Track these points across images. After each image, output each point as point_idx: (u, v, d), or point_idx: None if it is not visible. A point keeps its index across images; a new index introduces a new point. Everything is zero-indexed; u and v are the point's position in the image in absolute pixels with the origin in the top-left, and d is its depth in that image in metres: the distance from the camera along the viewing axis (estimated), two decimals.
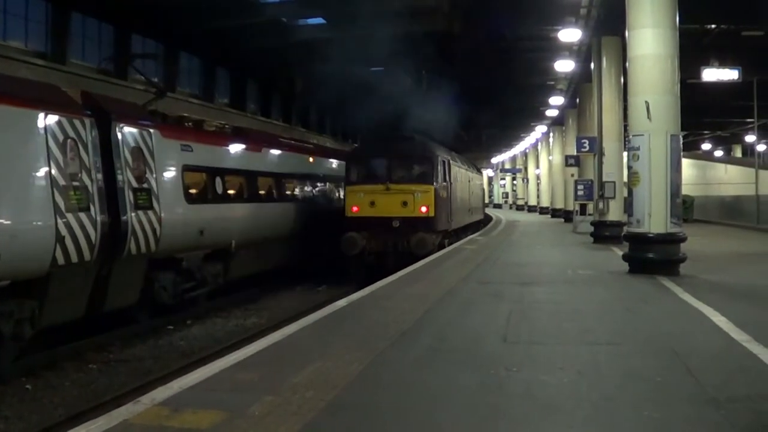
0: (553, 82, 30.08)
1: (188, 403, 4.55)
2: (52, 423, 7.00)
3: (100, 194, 9.49)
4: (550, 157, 41.70)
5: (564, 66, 24.45)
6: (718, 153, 53.65)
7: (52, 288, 8.70)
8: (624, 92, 15.47)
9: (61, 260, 8.59)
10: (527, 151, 59.23)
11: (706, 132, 45.54)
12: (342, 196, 20.25)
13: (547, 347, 6.30)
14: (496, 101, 34.43)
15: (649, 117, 11.10)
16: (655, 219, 11.15)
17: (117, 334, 10.70)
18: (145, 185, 10.68)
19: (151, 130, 11.11)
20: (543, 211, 45.62)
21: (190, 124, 13.85)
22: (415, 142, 17.44)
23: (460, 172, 21.90)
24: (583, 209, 24.16)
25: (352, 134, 46.79)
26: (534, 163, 55.20)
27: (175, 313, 12.09)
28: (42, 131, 8.59)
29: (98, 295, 9.85)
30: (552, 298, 9.24)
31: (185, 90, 26.36)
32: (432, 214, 16.33)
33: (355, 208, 16.31)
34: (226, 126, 15.57)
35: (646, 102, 11.14)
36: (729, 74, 20.23)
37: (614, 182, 18.30)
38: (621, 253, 13.04)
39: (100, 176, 9.60)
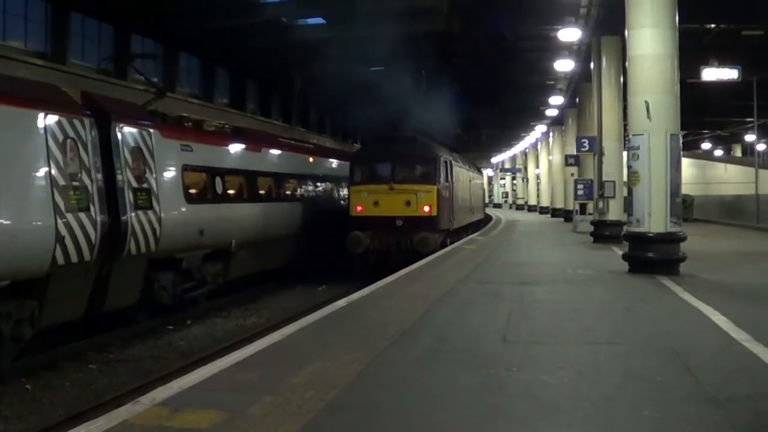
0: (552, 82, 30.09)
1: (188, 403, 4.55)
2: (51, 423, 6.99)
3: (99, 194, 9.48)
4: (550, 157, 41.70)
5: (564, 66, 24.45)
6: (718, 152, 53.68)
7: (52, 288, 8.70)
8: (624, 92, 15.47)
9: (60, 260, 8.59)
10: (527, 150, 59.23)
11: (705, 131, 45.56)
12: (342, 196, 20.36)
13: (547, 347, 6.30)
14: (496, 101, 34.44)
15: (648, 116, 11.10)
16: (654, 218, 11.16)
17: (117, 334, 10.69)
18: (144, 185, 10.67)
19: (151, 130, 11.10)
20: (543, 210, 45.63)
21: (189, 124, 13.85)
22: (417, 143, 17.67)
23: (461, 172, 22.14)
24: (582, 209, 24.17)
25: (351, 134, 46.80)
26: (534, 162, 55.20)
27: (175, 313, 12.08)
28: (42, 131, 8.58)
29: (98, 295, 9.85)
30: (552, 298, 9.24)
31: (185, 90, 26.35)
32: (435, 213, 16.66)
33: (359, 208, 16.65)
34: (226, 126, 15.56)
35: (646, 101, 11.14)
36: (729, 74, 20.22)
37: (614, 182, 18.30)
38: (621, 252, 13.04)
39: (99, 176, 9.60)
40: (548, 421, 4.30)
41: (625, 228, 12.97)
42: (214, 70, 28.88)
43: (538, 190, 51.82)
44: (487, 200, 45.46)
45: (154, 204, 10.81)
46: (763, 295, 9.53)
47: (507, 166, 71.57)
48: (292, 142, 19.47)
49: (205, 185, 12.82)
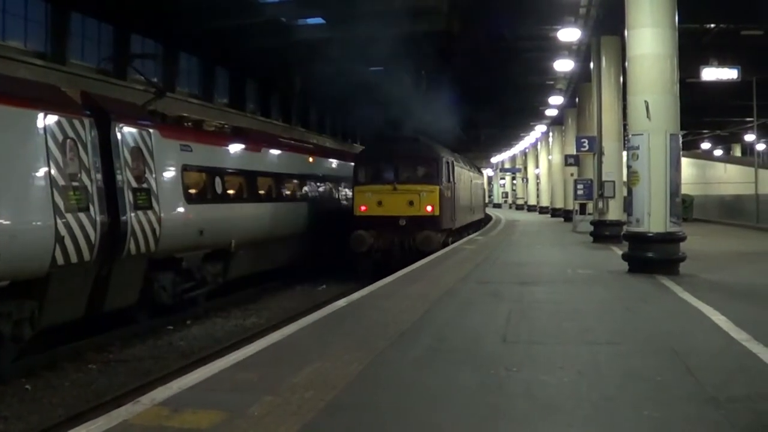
0: (552, 82, 30.09)
1: (188, 403, 4.55)
2: (51, 423, 6.98)
3: (99, 194, 9.47)
4: (550, 157, 41.69)
5: (563, 66, 24.46)
6: (718, 152, 53.69)
7: (52, 288, 8.69)
8: (623, 92, 15.48)
9: (60, 260, 8.59)
10: (527, 150, 59.23)
11: (705, 131, 45.59)
12: (342, 196, 20.40)
13: (546, 347, 6.31)
14: (496, 101, 34.46)
15: (648, 116, 11.10)
16: (654, 218, 11.16)
17: (117, 334, 10.69)
18: (144, 185, 10.67)
19: (151, 130, 11.10)
20: (543, 210, 45.64)
21: (189, 124, 13.84)
22: (420, 144, 18.03)
23: (462, 172, 22.39)
24: (582, 209, 24.18)
25: (351, 134, 46.81)
26: (534, 162, 55.21)
27: (175, 313, 12.07)
28: (41, 131, 8.58)
29: (98, 296, 9.84)
30: (552, 298, 9.24)
31: (184, 90, 26.35)
32: (437, 213, 16.97)
33: (363, 208, 16.94)
34: (226, 126, 15.56)
35: (646, 101, 11.14)
36: (728, 73, 20.23)
37: (614, 181, 18.31)
38: (621, 252, 13.04)
39: (99, 176, 9.59)
40: (548, 421, 4.30)
41: (625, 228, 12.97)
42: (214, 70, 28.89)
43: (537, 190, 51.83)
44: (487, 200, 45.52)
45: (154, 204, 10.80)
46: (763, 295, 9.53)
47: (507, 166, 71.59)
48: (292, 142, 19.47)
49: (204, 185, 12.82)
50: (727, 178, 35.96)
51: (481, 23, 22.66)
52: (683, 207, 16.00)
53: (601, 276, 11.56)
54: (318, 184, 18.94)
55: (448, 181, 18.24)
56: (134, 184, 10.39)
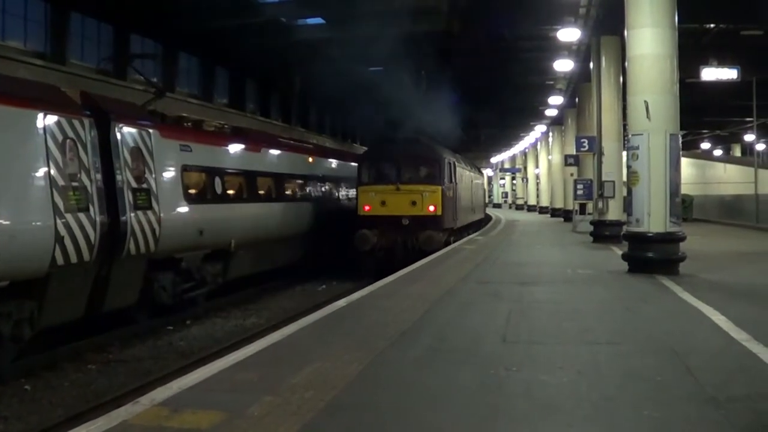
0: (552, 82, 30.08)
1: (188, 403, 4.55)
2: (51, 424, 6.98)
3: (99, 194, 9.47)
4: (550, 157, 41.70)
5: (563, 66, 24.45)
6: (718, 152, 53.72)
7: (52, 288, 8.69)
8: (623, 92, 15.48)
9: (60, 261, 8.58)
10: (527, 150, 59.23)
11: (705, 131, 45.60)
12: (342, 196, 20.43)
13: (546, 347, 6.30)
14: (496, 101, 34.46)
15: (648, 116, 11.10)
16: (654, 218, 11.16)
17: (116, 334, 10.69)
18: (144, 185, 10.66)
19: (150, 131, 11.10)
20: (542, 210, 45.64)
21: (189, 124, 13.83)
22: (423, 144, 18.46)
23: (464, 173, 22.72)
24: (582, 209, 24.17)
25: (351, 134, 46.80)
26: (533, 162, 55.21)
27: (175, 313, 12.07)
28: (41, 131, 8.58)
29: (97, 296, 9.84)
30: (551, 298, 9.24)
31: (184, 90, 26.34)
32: (439, 212, 17.34)
33: (367, 207, 17.32)
34: (225, 126, 15.55)
35: (645, 101, 11.14)
36: (728, 73, 20.24)
37: (613, 181, 18.32)
38: (620, 252, 13.03)
39: (99, 176, 9.59)
40: (548, 421, 4.29)
41: (625, 228, 12.97)
42: (214, 70, 28.88)
43: (537, 190, 51.83)
44: (487, 200, 45.57)
45: (154, 204, 10.80)
46: (762, 295, 9.53)
47: (507, 166, 71.60)
48: (292, 142, 19.46)
49: (204, 185, 12.81)
50: (727, 178, 36.01)
51: (481, 23, 22.66)
52: (683, 207, 16.01)
53: (600, 276, 11.56)
54: (318, 184, 18.95)
55: (450, 181, 18.58)
56: (134, 185, 10.39)
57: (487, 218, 36.00)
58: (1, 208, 7.93)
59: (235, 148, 14.37)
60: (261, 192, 15.16)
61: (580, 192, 23.18)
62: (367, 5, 21.47)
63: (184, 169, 11.96)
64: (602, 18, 17.89)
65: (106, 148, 9.95)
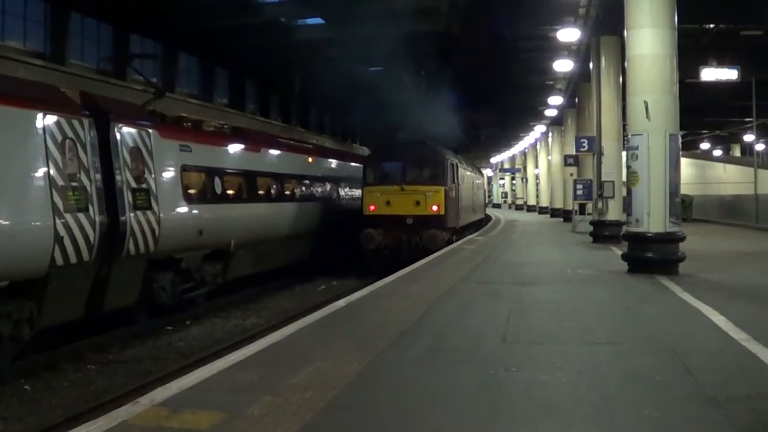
0: (552, 82, 30.06)
1: (187, 403, 4.55)
2: (51, 424, 6.98)
3: (98, 195, 9.46)
4: (549, 157, 41.68)
5: (563, 66, 24.44)
6: (717, 152, 53.71)
7: (51, 289, 8.69)
8: (623, 92, 15.48)
9: (59, 261, 8.58)
10: (526, 150, 59.20)
11: (704, 131, 45.60)
12: (342, 196, 20.45)
13: (546, 347, 6.30)
14: (496, 101, 34.47)
15: (648, 116, 11.10)
16: (654, 218, 11.16)
17: (116, 334, 10.68)
18: (143, 185, 10.66)
19: (150, 131, 11.09)
20: (542, 210, 45.62)
21: (188, 124, 13.83)
22: (426, 146, 18.88)
23: (465, 173, 23.07)
24: (582, 209, 24.15)
25: (351, 134, 46.80)
26: (533, 162, 55.18)
27: (174, 313, 12.07)
28: (40, 131, 8.57)
29: (97, 296, 9.83)
30: (551, 298, 9.24)
31: (184, 90, 26.35)
32: (442, 212, 17.79)
33: (372, 207, 17.77)
34: (225, 126, 15.55)
35: (645, 101, 11.14)
36: (728, 74, 20.25)
37: (613, 182, 18.31)
38: (620, 252, 13.03)
39: (98, 176, 9.58)
40: (548, 421, 4.29)
41: (625, 228, 12.97)
42: (214, 70, 28.88)
43: (537, 190, 51.81)
44: (487, 200, 45.60)
45: (153, 204, 10.80)
46: (762, 295, 9.53)
47: (506, 166, 71.55)
48: (292, 142, 19.46)
49: (204, 185, 12.81)
50: (727, 178, 35.99)
51: (481, 23, 22.67)
52: (683, 207, 16.02)
53: (600, 276, 11.56)
54: (318, 184, 18.96)
55: (453, 182, 18.99)
56: (133, 185, 10.39)
57: (487, 218, 36.09)
58: (0, 208, 7.93)
59: (234, 148, 14.37)
60: (261, 192, 15.15)
61: (579, 192, 23.16)
62: (366, 5, 21.48)
63: (184, 169, 11.96)
64: (602, 18, 17.89)
65: (106, 148, 9.94)
